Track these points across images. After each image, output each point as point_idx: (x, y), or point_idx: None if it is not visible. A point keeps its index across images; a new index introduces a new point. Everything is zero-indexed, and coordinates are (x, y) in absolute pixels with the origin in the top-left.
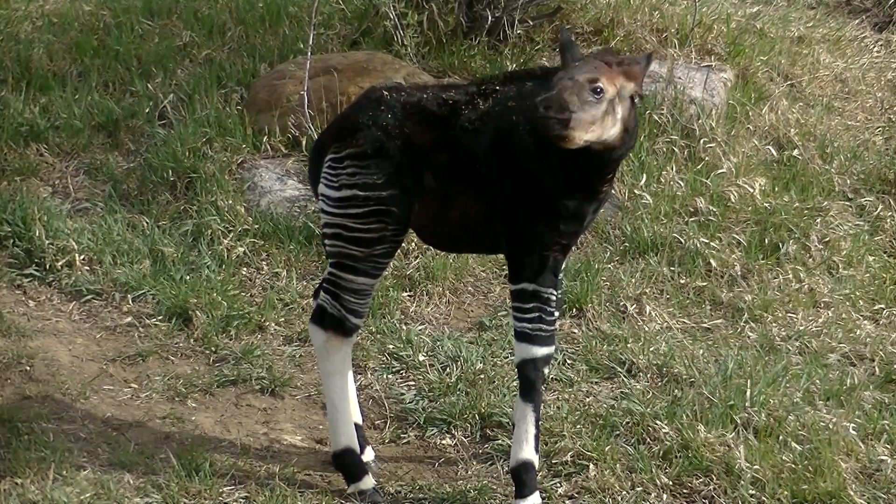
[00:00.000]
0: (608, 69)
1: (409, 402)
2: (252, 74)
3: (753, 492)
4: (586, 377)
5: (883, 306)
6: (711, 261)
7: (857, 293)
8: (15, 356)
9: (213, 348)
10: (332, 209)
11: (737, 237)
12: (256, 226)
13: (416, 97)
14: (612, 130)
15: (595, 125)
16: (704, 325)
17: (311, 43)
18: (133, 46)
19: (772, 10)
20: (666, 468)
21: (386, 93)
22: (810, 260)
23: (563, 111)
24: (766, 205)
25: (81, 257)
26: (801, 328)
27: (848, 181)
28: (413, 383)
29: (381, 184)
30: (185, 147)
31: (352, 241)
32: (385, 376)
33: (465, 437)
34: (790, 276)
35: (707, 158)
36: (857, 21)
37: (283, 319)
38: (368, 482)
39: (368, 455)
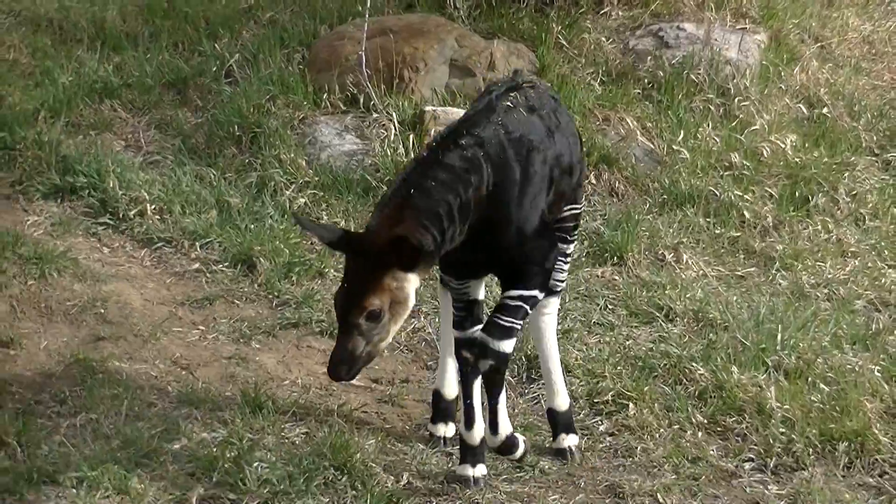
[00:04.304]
0: (376, 277)
1: None
2: (313, 35)
3: (784, 430)
4: (626, 322)
5: None
6: (745, 212)
7: (883, 243)
8: (90, 300)
9: (275, 293)
10: None
11: (769, 190)
12: (317, 178)
13: None
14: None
15: (392, 331)
16: (738, 272)
17: (368, 5)
18: (201, 8)
19: None
20: (701, 407)
21: None
22: (838, 212)
23: (355, 363)
24: (797, 160)
25: (152, 207)
26: (830, 276)
27: (874, 137)
28: None
29: None
30: (249, 104)
31: None
32: (437, 319)
33: (513, 378)
34: (819, 227)
35: (741, 116)
36: None
37: (341, 266)
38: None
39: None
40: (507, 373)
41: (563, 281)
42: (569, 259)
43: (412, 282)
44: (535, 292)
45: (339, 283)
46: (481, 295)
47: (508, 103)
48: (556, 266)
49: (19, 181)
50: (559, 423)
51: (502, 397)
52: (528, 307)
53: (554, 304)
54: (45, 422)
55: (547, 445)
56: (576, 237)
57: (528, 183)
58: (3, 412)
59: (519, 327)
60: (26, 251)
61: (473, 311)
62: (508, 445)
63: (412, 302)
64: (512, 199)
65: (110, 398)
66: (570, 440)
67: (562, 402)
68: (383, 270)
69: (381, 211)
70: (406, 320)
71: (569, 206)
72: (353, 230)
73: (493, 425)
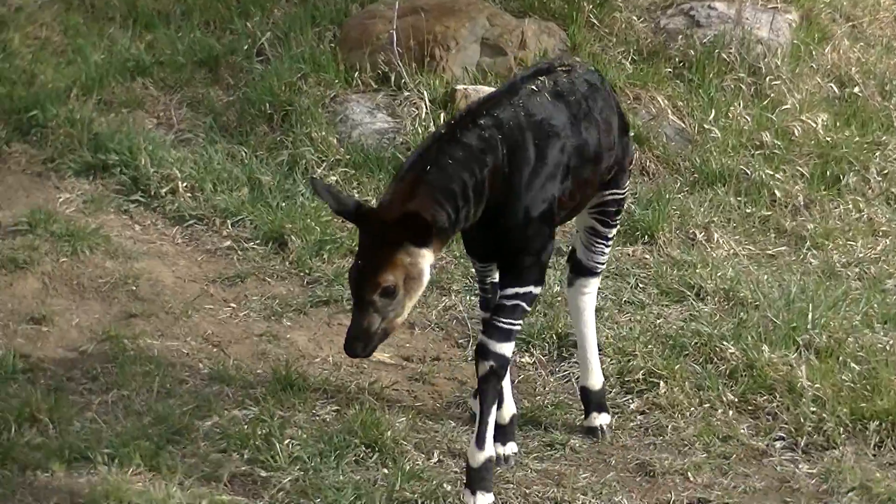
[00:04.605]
0: (389, 252)
1: None
2: (344, 14)
3: (814, 409)
4: (657, 300)
5: None
6: (776, 191)
7: None
8: (122, 277)
9: (306, 270)
10: None
11: (800, 169)
12: (348, 156)
13: None
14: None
15: (407, 306)
16: (769, 251)
17: None
18: None
19: None
20: (732, 386)
21: None
22: (869, 191)
23: (371, 339)
24: (828, 139)
25: (184, 184)
26: (861, 255)
27: None
28: None
29: None
30: (281, 82)
31: None
32: (468, 297)
33: (543, 356)
34: (850, 206)
35: (772, 95)
36: None
37: None
38: None
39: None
40: (501, 386)
41: (603, 263)
42: (610, 243)
43: (426, 257)
44: (531, 288)
45: (353, 259)
46: (496, 276)
47: (533, 87)
48: (596, 249)
49: (51, 158)
50: (592, 401)
51: (494, 410)
52: (525, 304)
53: (594, 284)
54: (77, 398)
55: (578, 423)
56: (618, 222)
57: (541, 167)
58: (36, 389)
59: (518, 328)
60: (58, 228)
61: (497, 294)
62: (486, 470)
63: (427, 277)
64: (523, 180)
65: (142, 375)
66: (601, 419)
67: (595, 381)
68: (396, 246)
69: (395, 185)
70: (433, 298)
71: (610, 191)
72: (368, 203)
73: (479, 439)
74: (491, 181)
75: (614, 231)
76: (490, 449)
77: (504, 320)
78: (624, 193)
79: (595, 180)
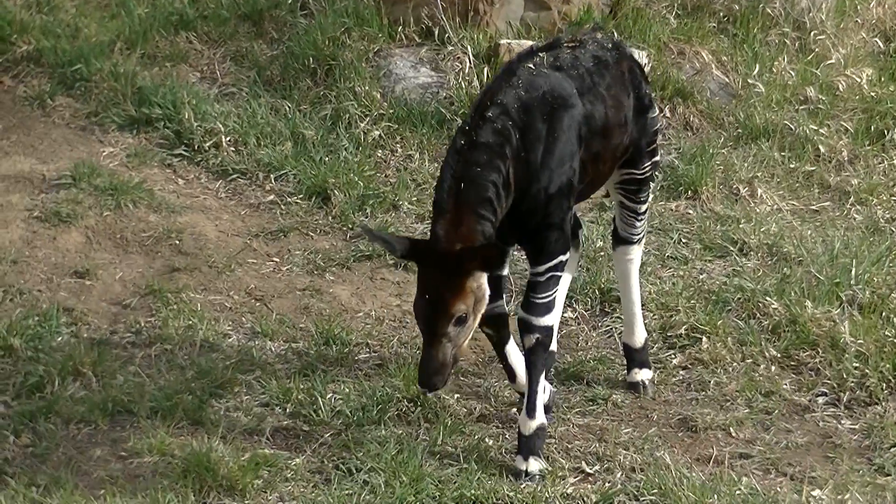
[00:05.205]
0: (458, 282)
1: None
2: None
3: (857, 364)
4: (700, 255)
5: None
6: (820, 146)
7: None
8: (165, 231)
9: (349, 225)
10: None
11: (844, 124)
12: (391, 111)
13: None
14: (486, 302)
15: (474, 328)
16: (813, 207)
17: None
18: None
19: None
20: (774, 342)
21: None
22: None
23: (447, 369)
24: (873, 94)
25: (227, 139)
26: None
27: None
28: None
29: None
30: (324, 36)
31: None
32: (511, 253)
33: (586, 311)
34: (895, 161)
35: (817, 50)
36: None
37: (415, 199)
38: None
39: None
40: (551, 362)
41: (639, 233)
42: (643, 217)
43: (485, 277)
44: (560, 258)
45: (418, 294)
46: (505, 270)
47: (531, 65)
48: (629, 221)
49: (95, 112)
50: (634, 358)
51: (542, 378)
52: (558, 273)
53: (635, 251)
54: (120, 352)
55: (621, 379)
56: (644, 199)
57: (554, 142)
58: (79, 342)
59: (555, 295)
60: (102, 182)
61: (494, 287)
62: (539, 437)
63: (488, 293)
64: (537, 158)
65: (185, 329)
66: (643, 374)
67: (638, 339)
68: (465, 275)
69: (441, 216)
70: None
71: (627, 171)
72: (418, 238)
73: (529, 409)
74: (515, 168)
75: (644, 206)
76: (541, 416)
77: (542, 295)
78: (643, 174)
79: (607, 156)
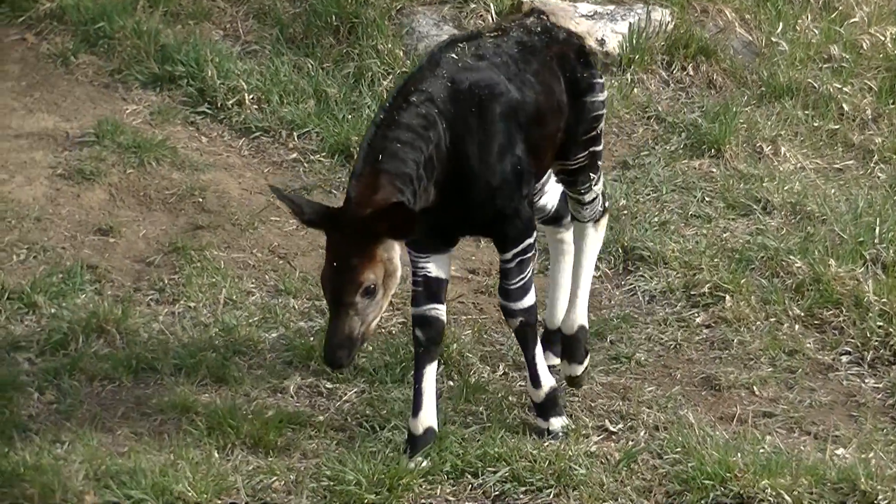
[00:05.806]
0: (367, 249)
1: None
2: None
3: (881, 323)
4: (723, 214)
5: None
6: (844, 105)
7: None
8: (188, 188)
9: None
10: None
11: (868, 83)
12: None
13: None
14: (397, 280)
15: (384, 307)
16: (836, 165)
17: None
18: None
19: None
20: (798, 300)
21: None
22: None
23: (354, 345)
24: None
25: (250, 96)
26: None
27: None
28: None
29: None
30: None
31: None
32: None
33: (609, 270)
34: None
35: (841, 7)
36: None
37: None
38: None
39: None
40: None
41: (590, 214)
42: (588, 206)
43: (398, 251)
44: (527, 241)
45: (326, 263)
46: (444, 274)
47: (453, 55)
48: (574, 207)
49: (118, 70)
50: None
51: (538, 350)
52: (528, 255)
53: (590, 230)
54: (144, 309)
55: (644, 337)
56: (583, 191)
57: (488, 133)
58: (103, 300)
59: (530, 275)
60: (125, 140)
61: (431, 289)
62: (552, 399)
63: (400, 272)
64: (473, 153)
65: (208, 286)
66: (572, 369)
67: (571, 325)
68: (375, 242)
69: (356, 181)
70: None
71: (558, 161)
72: (332, 206)
73: (533, 380)
74: (438, 156)
75: (589, 196)
76: (548, 380)
77: (514, 280)
78: (576, 164)
79: (545, 144)
